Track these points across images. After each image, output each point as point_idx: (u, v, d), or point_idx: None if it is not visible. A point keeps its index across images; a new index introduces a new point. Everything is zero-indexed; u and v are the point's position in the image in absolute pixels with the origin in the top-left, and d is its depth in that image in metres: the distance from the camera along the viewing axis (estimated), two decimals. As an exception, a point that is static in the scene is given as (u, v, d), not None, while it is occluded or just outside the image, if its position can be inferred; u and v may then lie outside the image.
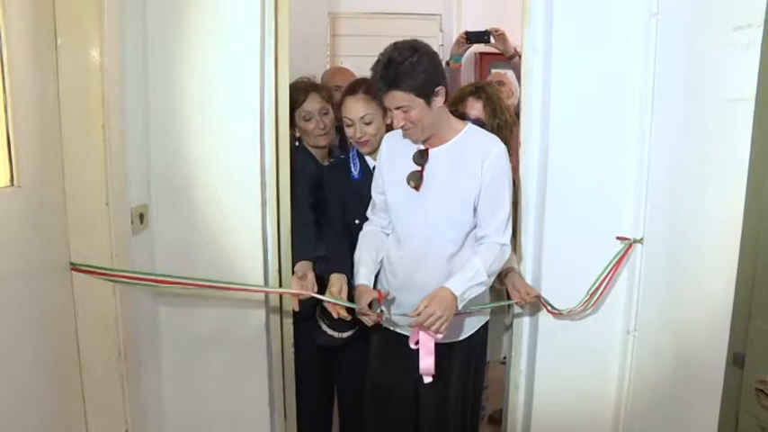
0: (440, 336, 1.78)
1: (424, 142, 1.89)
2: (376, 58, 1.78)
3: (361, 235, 2.05)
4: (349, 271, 1.98)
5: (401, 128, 1.81)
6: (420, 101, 1.76)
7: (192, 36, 1.91)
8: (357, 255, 1.99)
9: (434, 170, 1.89)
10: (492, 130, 2.08)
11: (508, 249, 1.92)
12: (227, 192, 1.99)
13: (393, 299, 1.95)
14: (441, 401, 2.01)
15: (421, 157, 1.89)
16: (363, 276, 1.92)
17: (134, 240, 1.83)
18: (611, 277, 2.05)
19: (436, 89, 1.79)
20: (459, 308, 1.80)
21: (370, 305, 1.85)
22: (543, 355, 2.15)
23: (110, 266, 1.68)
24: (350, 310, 1.91)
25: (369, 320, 1.87)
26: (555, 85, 1.98)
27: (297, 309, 2.04)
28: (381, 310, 1.87)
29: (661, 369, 1.91)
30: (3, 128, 1.42)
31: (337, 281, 1.94)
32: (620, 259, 2.03)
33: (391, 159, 1.95)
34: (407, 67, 1.71)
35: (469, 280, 1.80)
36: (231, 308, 2.07)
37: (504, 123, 2.19)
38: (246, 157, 1.98)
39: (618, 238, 2.03)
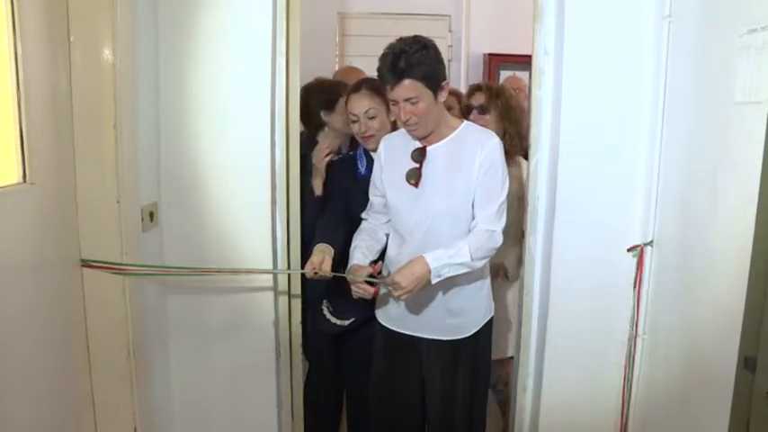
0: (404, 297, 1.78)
1: (422, 140, 1.89)
2: (381, 54, 1.79)
3: (357, 231, 2.06)
4: (339, 249, 1.98)
5: (406, 122, 1.81)
6: (429, 92, 1.77)
7: (203, 36, 1.92)
8: (353, 245, 1.99)
9: (433, 167, 1.89)
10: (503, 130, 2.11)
11: (498, 236, 1.88)
12: (237, 191, 2.00)
13: (388, 273, 1.94)
14: (448, 400, 2.01)
15: (419, 155, 1.90)
16: (357, 258, 1.92)
17: (144, 238, 1.85)
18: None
19: (442, 83, 1.81)
20: (433, 282, 1.78)
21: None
22: (551, 358, 2.14)
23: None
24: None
25: (367, 294, 1.86)
26: (566, 87, 1.97)
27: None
28: (381, 275, 1.87)
29: (670, 373, 1.90)
30: (16, 125, 1.43)
31: (320, 252, 1.93)
32: (640, 267, 2.02)
33: (390, 160, 1.96)
34: (418, 58, 1.73)
35: (449, 257, 1.78)
36: (240, 306, 2.08)
37: (515, 130, 2.20)
38: (257, 157, 1.99)
39: (628, 250, 2.01)
